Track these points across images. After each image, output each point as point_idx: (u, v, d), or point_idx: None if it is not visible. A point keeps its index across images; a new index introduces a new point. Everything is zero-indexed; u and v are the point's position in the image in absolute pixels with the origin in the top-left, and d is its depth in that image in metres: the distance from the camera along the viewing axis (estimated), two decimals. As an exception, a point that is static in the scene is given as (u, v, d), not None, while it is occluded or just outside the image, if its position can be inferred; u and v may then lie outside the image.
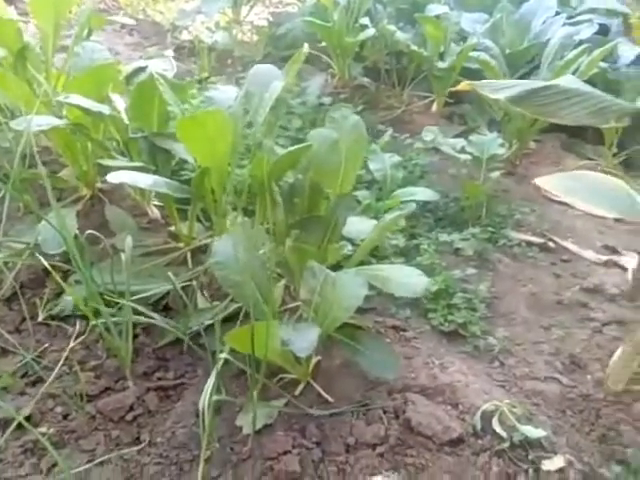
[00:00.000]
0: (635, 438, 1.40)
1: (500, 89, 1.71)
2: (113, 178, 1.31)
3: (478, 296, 1.83)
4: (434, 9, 3.10)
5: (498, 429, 1.37)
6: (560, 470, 1.28)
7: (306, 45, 1.49)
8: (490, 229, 2.20)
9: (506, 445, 1.34)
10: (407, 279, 1.41)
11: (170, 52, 3.61)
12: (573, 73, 2.40)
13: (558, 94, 1.66)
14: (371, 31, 2.88)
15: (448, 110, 3.17)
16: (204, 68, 3.37)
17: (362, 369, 1.45)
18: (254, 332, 1.17)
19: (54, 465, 1.23)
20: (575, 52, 2.48)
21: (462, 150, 2.24)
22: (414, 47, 2.83)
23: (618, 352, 1.56)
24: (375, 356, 1.43)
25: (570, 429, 1.44)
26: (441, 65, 2.85)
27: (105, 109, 1.49)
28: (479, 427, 1.37)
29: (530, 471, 1.29)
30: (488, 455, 1.32)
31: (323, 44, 3.38)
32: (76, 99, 1.43)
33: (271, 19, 3.74)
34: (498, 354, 1.66)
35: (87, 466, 1.21)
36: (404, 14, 3.22)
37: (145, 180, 1.37)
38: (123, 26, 4.03)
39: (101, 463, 1.24)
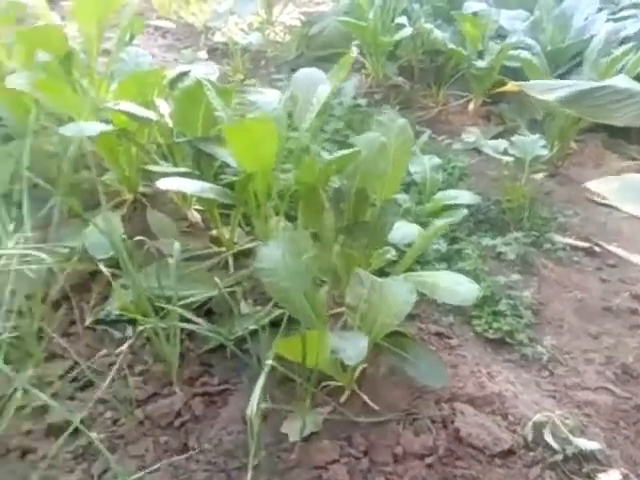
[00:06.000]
0: (694, 453, 1.35)
1: (549, 90, 1.66)
2: (163, 185, 1.31)
3: (523, 302, 1.79)
4: (472, 6, 3.04)
5: (550, 441, 1.33)
6: (618, 485, 1.25)
7: (354, 49, 1.47)
8: (533, 233, 2.15)
9: (559, 457, 1.30)
10: (457, 286, 1.38)
11: (204, 54, 3.64)
12: (619, 71, 2.32)
13: (611, 94, 1.61)
14: (408, 30, 2.84)
15: (485, 109, 3.11)
16: (238, 70, 3.37)
17: (408, 377, 1.43)
18: (305, 341, 1.15)
19: (105, 471, 1.23)
20: (622, 49, 2.41)
21: (504, 152, 2.19)
22: (452, 46, 2.78)
23: (674, 363, 1.51)
24: (422, 364, 1.40)
25: (624, 441, 1.39)
26: (480, 64, 2.80)
27: (153, 115, 1.49)
28: (530, 439, 1.34)
29: (586, 486, 1.26)
30: (540, 468, 1.29)
31: (356, 43, 3.36)
32: (127, 106, 1.43)
33: (303, 19, 3.73)
34: (546, 363, 1.62)
35: (140, 474, 1.21)
36: (440, 12, 3.17)
37: (193, 187, 1.37)
38: (156, 28, 4.07)
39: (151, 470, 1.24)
